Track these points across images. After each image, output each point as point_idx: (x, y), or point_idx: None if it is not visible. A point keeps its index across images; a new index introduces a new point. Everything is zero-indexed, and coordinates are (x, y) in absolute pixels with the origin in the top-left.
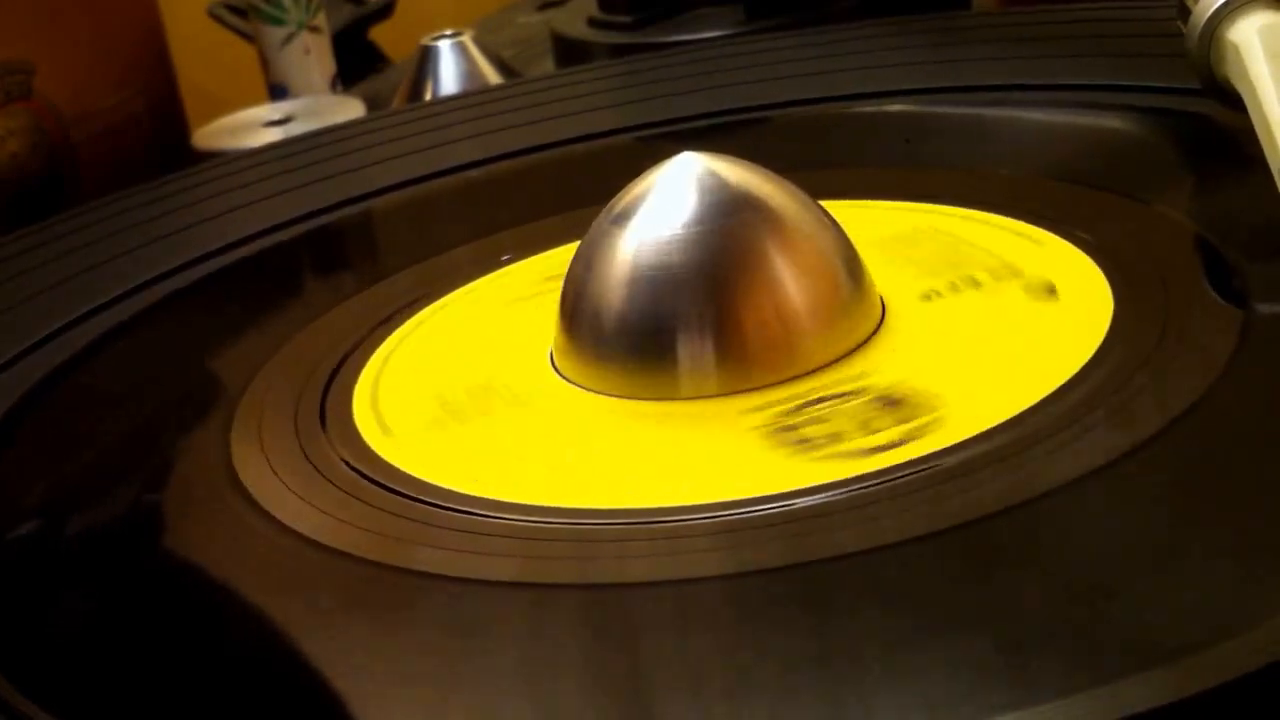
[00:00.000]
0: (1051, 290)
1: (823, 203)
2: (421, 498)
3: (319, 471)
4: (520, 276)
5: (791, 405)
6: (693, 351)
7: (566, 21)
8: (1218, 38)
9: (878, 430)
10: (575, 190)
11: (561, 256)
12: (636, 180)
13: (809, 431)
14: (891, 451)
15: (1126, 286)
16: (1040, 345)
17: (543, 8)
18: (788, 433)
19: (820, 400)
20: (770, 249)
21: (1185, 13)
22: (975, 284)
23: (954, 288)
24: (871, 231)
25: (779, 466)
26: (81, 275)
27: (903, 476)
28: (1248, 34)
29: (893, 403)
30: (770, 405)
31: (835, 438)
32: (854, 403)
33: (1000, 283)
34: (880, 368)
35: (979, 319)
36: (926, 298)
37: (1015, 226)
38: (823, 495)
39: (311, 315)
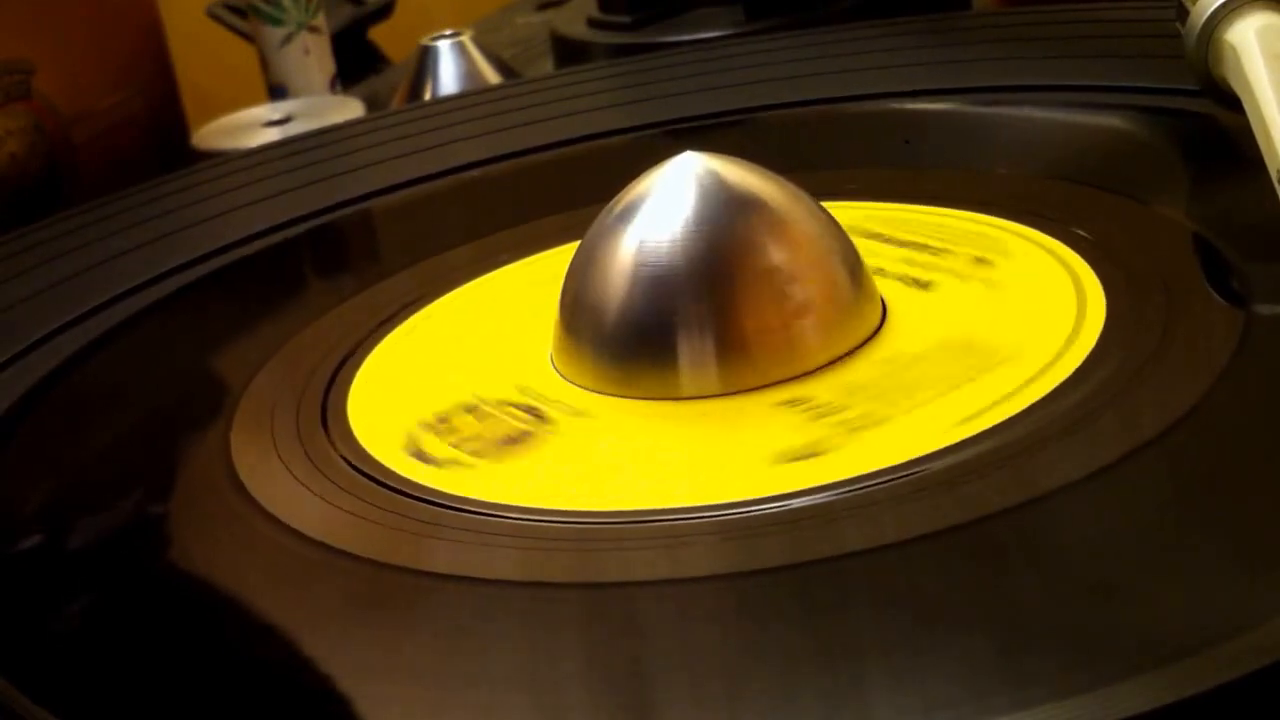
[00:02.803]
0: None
1: (823, 203)
2: (422, 497)
3: (320, 472)
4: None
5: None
6: (693, 351)
7: (566, 21)
8: (1215, 39)
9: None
10: (575, 190)
11: (561, 257)
12: (637, 180)
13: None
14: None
15: (1126, 286)
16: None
17: (542, 8)
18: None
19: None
20: (771, 249)
21: (1183, 14)
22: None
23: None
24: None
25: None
26: (81, 275)
27: (904, 477)
28: (1245, 35)
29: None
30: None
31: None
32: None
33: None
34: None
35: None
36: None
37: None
38: (823, 495)
39: (312, 315)
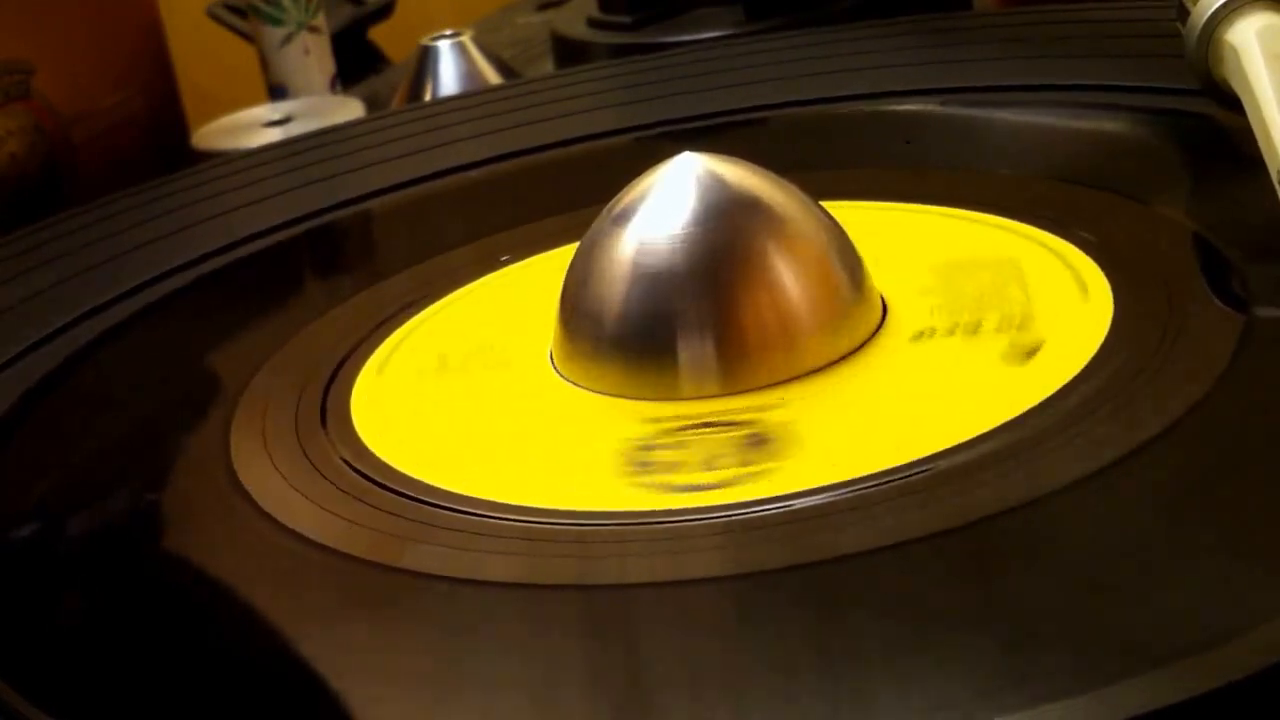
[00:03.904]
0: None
1: (823, 203)
2: (421, 498)
3: (319, 472)
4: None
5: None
6: (692, 351)
7: (566, 21)
8: (1216, 39)
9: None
10: (575, 190)
11: (561, 257)
12: (636, 180)
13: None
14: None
15: (1127, 287)
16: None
17: (542, 8)
18: (644, 463)
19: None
20: (770, 249)
21: (1184, 14)
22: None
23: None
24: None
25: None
26: (81, 275)
27: (905, 477)
28: (1246, 35)
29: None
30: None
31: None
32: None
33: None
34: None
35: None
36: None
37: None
38: (823, 496)
39: (311, 315)
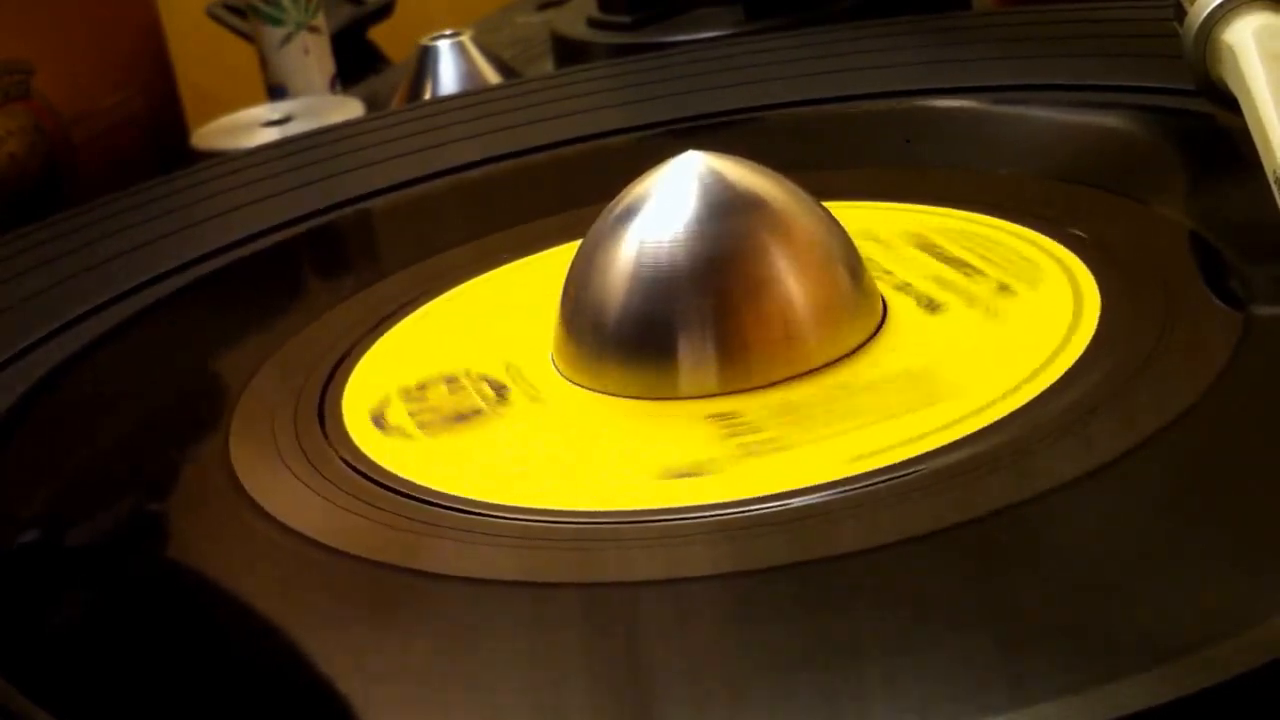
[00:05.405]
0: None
1: (823, 203)
2: (421, 497)
3: (319, 472)
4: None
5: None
6: (693, 351)
7: (566, 21)
8: (1213, 39)
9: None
10: (575, 190)
11: (561, 257)
12: (639, 179)
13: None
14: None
15: (1126, 287)
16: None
17: (542, 8)
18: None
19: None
20: (772, 248)
21: (1181, 14)
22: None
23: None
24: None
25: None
26: (81, 275)
27: (903, 476)
28: (1243, 35)
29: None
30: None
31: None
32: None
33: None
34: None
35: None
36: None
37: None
38: (822, 494)
39: (311, 315)
